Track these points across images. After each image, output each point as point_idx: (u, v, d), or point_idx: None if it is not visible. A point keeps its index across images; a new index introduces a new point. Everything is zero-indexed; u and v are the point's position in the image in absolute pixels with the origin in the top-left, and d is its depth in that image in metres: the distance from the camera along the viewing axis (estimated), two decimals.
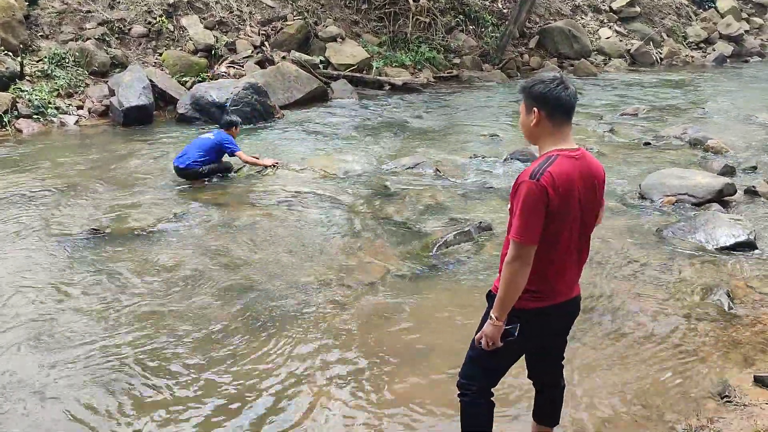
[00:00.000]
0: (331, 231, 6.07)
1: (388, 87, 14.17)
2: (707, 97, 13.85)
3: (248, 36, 13.93)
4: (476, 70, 16.34)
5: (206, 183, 7.49)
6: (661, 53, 19.92)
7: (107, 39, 12.43)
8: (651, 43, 19.84)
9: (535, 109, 2.48)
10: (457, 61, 16.53)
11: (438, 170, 7.93)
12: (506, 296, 2.46)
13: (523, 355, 2.81)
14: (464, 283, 5.02)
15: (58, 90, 10.99)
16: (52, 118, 10.43)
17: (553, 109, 2.47)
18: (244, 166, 7.89)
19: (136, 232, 5.95)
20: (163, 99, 11.37)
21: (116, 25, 12.75)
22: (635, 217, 6.49)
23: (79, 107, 11.01)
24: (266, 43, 13.98)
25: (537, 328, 2.61)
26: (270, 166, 7.93)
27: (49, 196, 6.88)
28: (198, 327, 4.28)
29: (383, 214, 6.48)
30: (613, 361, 3.96)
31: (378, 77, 14.33)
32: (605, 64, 18.46)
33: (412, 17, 16.21)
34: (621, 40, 19.85)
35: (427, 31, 16.56)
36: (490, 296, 2.64)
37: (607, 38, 19.64)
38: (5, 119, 9.86)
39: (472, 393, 2.75)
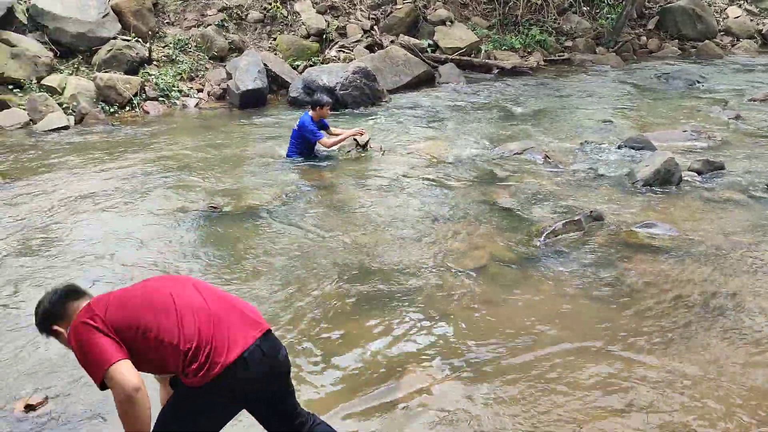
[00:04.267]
0: (436, 215, 6.10)
1: (496, 71, 13.95)
2: None
3: (358, 20, 14.13)
4: (589, 53, 15.73)
5: (308, 167, 7.68)
6: None
7: (226, 25, 13.02)
8: None
9: (54, 327, 2.42)
10: (569, 43, 15.99)
11: (547, 156, 7.74)
12: None
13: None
14: (571, 273, 4.90)
15: (181, 74, 11.65)
16: (175, 101, 11.09)
17: (61, 313, 2.43)
18: (352, 150, 8.04)
19: (250, 210, 6.24)
20: (276, 83, 11.78)
21: (234, 11, 13.32)
22: (762, 210, 6.07)
23: (199, 90, 11.63)
24: (376, 27, 14.12)
25: None
26: (354, 134, 7.94)
27: (173, 174, 7.34)
28: (306, 304, 4.45)
29: (489, 200, 6.43)
30: (729, 362, 3.75)
31: (486, 60, 14.13)
32: (732, 46, 17.20)
33: None
34: (752, 20, 18.39)
35: (539, 13, 16.12)
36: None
37: (736, 18, 18.27)
38: (135, 101, 10.60)
39: None
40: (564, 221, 5.62)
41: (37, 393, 3.41)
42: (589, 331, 4.06)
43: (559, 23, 16.25)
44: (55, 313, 2.40)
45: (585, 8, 16.91)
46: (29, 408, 3.30)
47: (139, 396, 2.19)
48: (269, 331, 2.50)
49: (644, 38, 17.09)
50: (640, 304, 4.39)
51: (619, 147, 8.07)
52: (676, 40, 17.09)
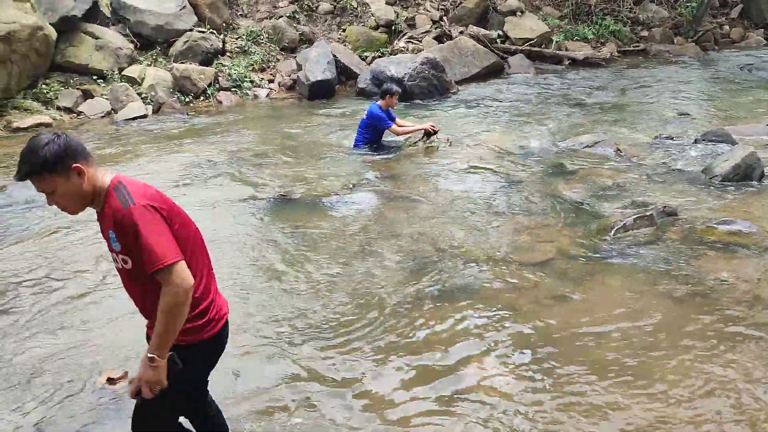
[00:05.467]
0: (502, 208, 6.05)
1: (567, 62, 13.66)
2: None
3: (427, 11, 14.09)
4: (667, 43, 15.17)
5: (375, 157, 7.75)
6: None
7: (297, 16, 13.23)
8: None
9: (75, 165, 2.19)
10: (645, 33, 15.46)
11: (619, 150, 7.54)
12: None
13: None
14: (642, 269, 4.77)
15: (253, 65, 11.94)
16: (247, 91, 11.37)
17: (83, 153, 2.22)
18: (419, 141, 8.05)
19: (318, 198, 6.35)
20: (344, 73, 11.91)
21: (305, 2, 13.52)
22: None
23: (270, 81, 11.89)
24: (445, 18, 14.05)
25: None
26: (426, 128, 7.96)
27: (244, 162, 7.55)
28: (371, 293, 4.51)
29: (558, 193, 6.32)
30: None
31: (557, 52, 13.84)
32: None
33: None
34: None
35: (613, 2, 15.64)
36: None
37: None
38: (209, 91, 10.93)
39: None
40: (635, 216, 5.47)
41: (118, 367, 3.61)
42: (661, 331, 3.95)
43: (635, 12, 15.73)
44: (79, 151, 2.22)
45: None
46: (111, 381, 3.49)
47: (189, 297, 2.21)
48: None
49: (726, 27, 16.34)
50: (716, 304, 4.23)
51: (697, 141, 7.77)
52: (762, 29, 16.26)
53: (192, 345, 2.37)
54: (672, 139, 7.93)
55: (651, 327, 3.99)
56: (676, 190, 6.32)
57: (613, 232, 5.33)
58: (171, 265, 2.15)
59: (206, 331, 2.40)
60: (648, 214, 5.50)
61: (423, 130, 8.03)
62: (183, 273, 2.17)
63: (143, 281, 2.27)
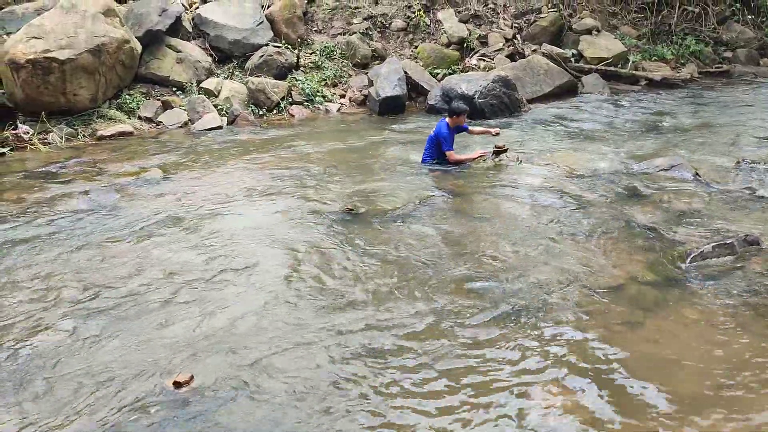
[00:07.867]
0: (572, 230, 5.89)
1: (644, 82, 13.30)
2: None
3: (501, 29, 14.02)
4: (751, 65, 14.56)
5: (443, 172, 7.72)
6: None
7: (370, 33, 13.41)
8: None
9: None
10: (728, 54, 14.89)
11: (697, 174, 7.24)
12: None
13: None
14: (720, 300, 4.54)
15: (326, 80, 12.17)
16: (319, 106, 11.58)
17: None
18: (488, 158, 7.99)
19: (383, 214, 6.36)
20: (415, 90, 11.98)
21: (379, 19, 13.69)
22: None
23: (342, 96, 12.08)
24: (518, 36, 13.95)
25: None
26: (477, 157, 7.94)
27: (313, 175, 7.67)
28: (434, 312, 4.46)
29: (631, 218, 6.11)
30: None
31: (634, 72, 13.50)
32: None
33: (679, 7, 14.94)
34: None
35: (695, 22, 15.15)
36: None
37: None
38: (282, 105, 11.19)
39: None
40: (714, 244, 5.22)
41: (185, 371, 3.69)
42: (741, 368, 3.73)
43: (718, 32, 15.17)
44: None
45: (749, 16, 15.66)
46: (177, 385, 3.57)
47: None
48: None
49: None
50: None
51: None
52: None
53: None
54: (757, 164, 7.56)
55: (730, 361, 3.78)
56: (760, 219, 6.01)
57: (689, 259, 5.11)
58: None
59: None
60: (728, 242, 5.23)
61: (495, 148, 7.98)
62: None
63: None
